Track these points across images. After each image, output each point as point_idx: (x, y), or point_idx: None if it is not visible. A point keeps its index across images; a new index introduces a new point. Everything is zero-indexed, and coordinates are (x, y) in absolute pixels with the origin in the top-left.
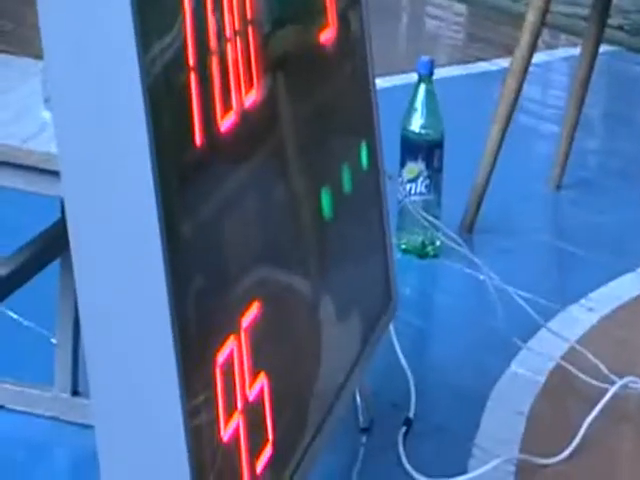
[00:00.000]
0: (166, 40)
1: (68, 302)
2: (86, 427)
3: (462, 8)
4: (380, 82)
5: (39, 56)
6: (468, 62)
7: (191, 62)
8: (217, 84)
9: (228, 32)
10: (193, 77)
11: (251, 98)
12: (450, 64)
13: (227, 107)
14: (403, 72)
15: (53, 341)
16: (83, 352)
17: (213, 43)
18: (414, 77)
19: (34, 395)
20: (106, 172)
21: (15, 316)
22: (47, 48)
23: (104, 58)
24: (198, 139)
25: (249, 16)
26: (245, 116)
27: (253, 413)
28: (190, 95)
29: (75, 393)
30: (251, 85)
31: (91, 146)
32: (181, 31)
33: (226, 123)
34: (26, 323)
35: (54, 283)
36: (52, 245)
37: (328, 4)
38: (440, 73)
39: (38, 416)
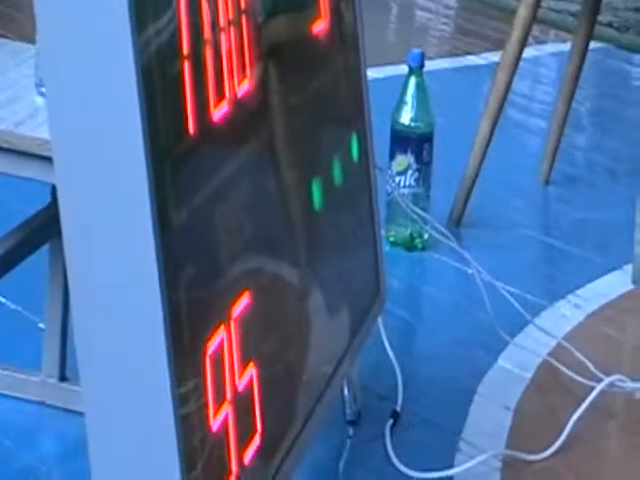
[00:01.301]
0: (160, 28)
1: (57, 287)
2: (74, 413)
3: (452, 1)
4: (369, 73)
5: (31, 39)
6: (457, 55)
7: (185, 51)
8: (210, 73)
9: (222, 21)
10: (187, 66)
11: (244, 88)
12: (439, 57)
13: (220, 96)
14: (392, 63)
15: (41, 326)
16: (71, 337)
17: (207, 32)
18: (403, 68)
19: (21, 380)
20: (98, 159)
21: (3, 300)
22: (41, 33)
23: (98, 44)
24: (191, 128)
25: (243, 6)
26: (238, 106)
27: (242, 403)
28: (183, 84)
29: (63, 379)
30: (244, 75)
31: (84, 133)
32: (175, 20)
33: (219, 112)
34: (14, 307)
35: (42, 267)
36: (42, 230)
37: None
38: (428, 65)
39: (25, 401)
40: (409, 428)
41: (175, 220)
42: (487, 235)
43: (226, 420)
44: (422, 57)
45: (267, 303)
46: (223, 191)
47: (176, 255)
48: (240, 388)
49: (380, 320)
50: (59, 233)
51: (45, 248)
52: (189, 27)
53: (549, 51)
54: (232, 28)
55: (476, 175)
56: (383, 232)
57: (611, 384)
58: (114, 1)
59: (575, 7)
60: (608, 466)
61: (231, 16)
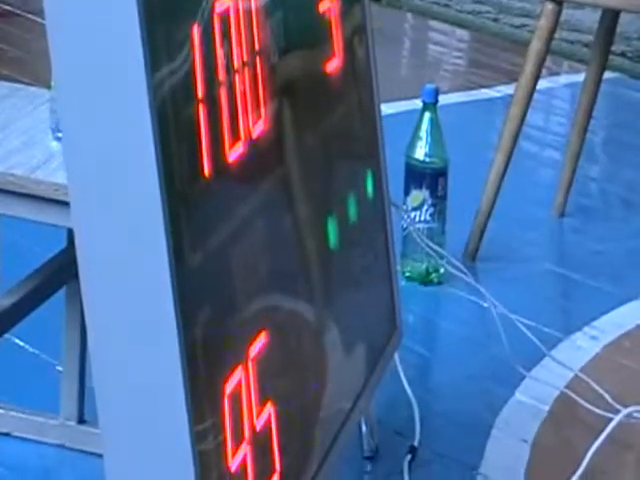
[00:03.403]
0: (175, 71)
1: (74, 330)
2: (93, 455)
3: (465, 34)
4: (382, 108)
5: (44, 82)
6: (470, 89)
7: (200, 94)
8: (225, 115)
9: (236, 63)
10: (202, 109)
11: (259, 128)
12: (452, 90)
13: (235, 138)
14: (405, 98)
15: (59, 368)
16: (89, 380)
17: (221, 75)
18: (417, 103)
19: (40, 423)
20: (115, 203)
21: (21, 343)
22: (57, 78)
23: (114, 88)
24: (206, 170)
25: (257, 47)
26: (253, 146)
27: (260, 443)
28: (199, 126)
29: (81, 421)
30: (259, 115)
31: (100, 176)
32: (190, 63)
33: (234, 154)
34: (32, 350)
35: (59, 310)
36: (58, 274)
37: (334, 34)
38: (442, 99)
39: (44, 444)
40: (427, 463)
41: (191, 262)
42: (502, 268)
43: (244, 460)
44: (436, 93)
45: (284, 342)
46: (239, 231)
47: (193, 297)
48: (258, 428)
49: (396, 355)
50: (76, 276)
51: (62, 291)
52: (203, 70)
53: (562, 82)
54: (246, 69)
55: (491, 208)
56: (399, 267)
57: (629, 415)
58: (129, 46)
59: (588, 38)
60: None
61: (245, 58)
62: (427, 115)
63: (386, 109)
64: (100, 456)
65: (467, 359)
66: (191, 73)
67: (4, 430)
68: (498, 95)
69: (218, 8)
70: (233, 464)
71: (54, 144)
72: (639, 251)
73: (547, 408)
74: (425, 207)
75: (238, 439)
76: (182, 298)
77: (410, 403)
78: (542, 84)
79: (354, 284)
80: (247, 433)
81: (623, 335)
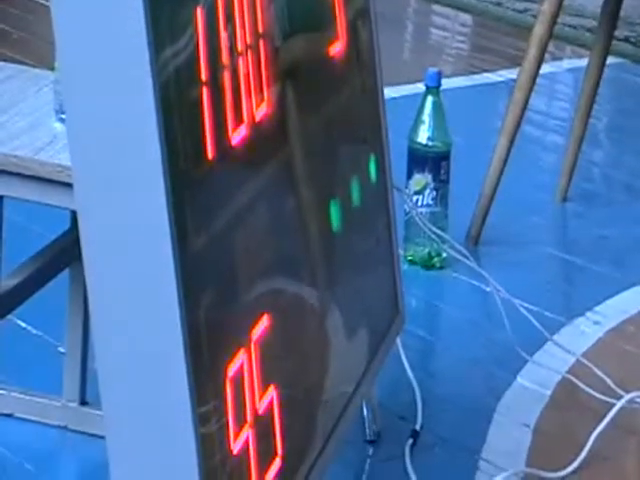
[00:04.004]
0: (179, 55)
1: (77, 311)
2: (95, 437)
3: (468, 19)
4: (385, 92)
5: (47, 63)
6: (473, 73)
7: (203, 77)
8: (229, 98)
9: (240, 46)
10: (205, 91)
11: (262, 111)
12: (455, 75)
13: (238, 120)
14: (408, 82)
15: (61, 350)
16: (92, 362)
17: (225, 57)
18: (419, 87)
19: (42, 404)
20: (118, 184)
21: (24, 325)
22: (61, 60)
23: (117, 71)
24: (209, 152)
25: (260, 30)
26: (256, 129)
27: (263, 426)
28: (202, 109)
29: (83, 403)
30: (262, 98)
31: (104, 158)
32: (194, 46)
33: (237, 136)
34: (34, 332)
35: (62, 292)
36: (62, 255)
37: (338, 17)
38: (445, 83)
39: (46, 425)
40: (429, 447)
41: (194, 244)
42: (505, 253)
43: (247, 443)
44: (439, 76)
45: (286, 325)
46: (242, 214)
47: (195, 279)
48: (260, 411)
49: (399, 339)
50: (79, 258)
51: (65, 273)
52: (207, 52)
53: (565, 67)
54: (250, 52)
55: (493, 193)
56: (401, 251)
57: (631, 401)
58: (132, 28)
59: (591, 22)
60: None
61: (249, 40)
62: (430, 99)
63: (389, 93)
64: (102, 438)
65: (469, 343)
66: (195, 55)
67: (6, 411)
68: (501, 79)
69: None
70: (235, 447)
71: (58, 126)
72: None
73: (549, 393)
74: (427, 191)
75: (240, 422)
76: (185, 280)
77: (412, 387)
78: (545, 69)
79: (356, 267)
80: (249, 416)
81: (626, 320)
